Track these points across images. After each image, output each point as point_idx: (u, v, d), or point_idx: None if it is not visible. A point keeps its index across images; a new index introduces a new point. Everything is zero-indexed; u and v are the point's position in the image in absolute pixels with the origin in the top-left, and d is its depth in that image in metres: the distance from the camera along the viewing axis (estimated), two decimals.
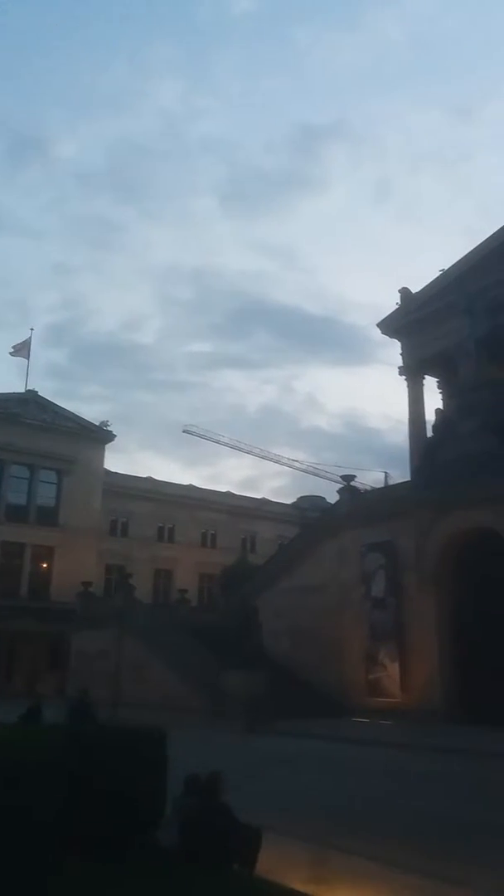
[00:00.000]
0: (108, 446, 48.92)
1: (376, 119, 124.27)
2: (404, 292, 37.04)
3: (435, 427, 31.04)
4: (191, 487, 54.26)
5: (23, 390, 46.27)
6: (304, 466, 67.46)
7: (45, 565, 44.40)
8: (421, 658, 25.53)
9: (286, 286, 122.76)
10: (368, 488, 39.62)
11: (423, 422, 35.28)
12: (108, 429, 48.80)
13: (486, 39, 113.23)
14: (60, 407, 47.97)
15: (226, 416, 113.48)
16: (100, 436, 48.28)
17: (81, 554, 43.50)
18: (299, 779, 14.10)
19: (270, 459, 67.67)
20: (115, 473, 49.71)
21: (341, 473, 37.02)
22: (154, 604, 42.75)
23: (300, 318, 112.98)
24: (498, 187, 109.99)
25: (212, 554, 51.05)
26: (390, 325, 37.67)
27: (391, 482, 45.53)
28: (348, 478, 33.04)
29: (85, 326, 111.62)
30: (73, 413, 48.31)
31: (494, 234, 33.12)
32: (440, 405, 35.24)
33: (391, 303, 37.78)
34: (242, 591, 33.13)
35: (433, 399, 37.36)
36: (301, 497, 61.34)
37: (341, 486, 32.93)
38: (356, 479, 33.90)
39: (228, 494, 56.50)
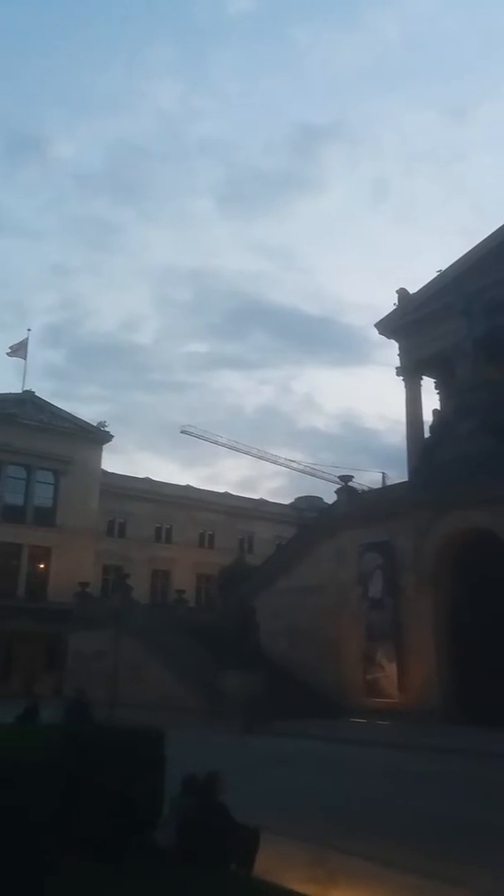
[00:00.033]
0: (105, 447, 48.88)
1: (373, 119, 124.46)
2: (402, 293, 37.07)
3: (432, 428, 31.09)
4: (188, 488, 54.25)
5: (20, 391, 46.19)
6: (301, 467, 67.56)
7: (42, 566, 44.34)
8: (418, 658, 25.53)
9: (284, 287, 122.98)
10: (366, 489, 39.66)
11: (421, 422, 35.30)
12: (106, 429, 48.76)
13: (481, 40, 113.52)
14: (58, 407, 47.93)
15: (223, 417, 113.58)
16: (97, 436, 48.24)
17: (79, 554, 43.45)
18: (297, 779, 14.09)
19: (268, 460, 67.77)
20: (113, 474, 49.67)
21: (339, 474, 37.00)
22: (152, 604, 42.69)
23: (298, 319, 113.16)
24: (493, 188, 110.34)
25: (209, 554, 51.03)
26: (388, 326, 37.69)
27: (389, 483, 45.51)
28: (346, 478, 33.05)
29: (83, 327, 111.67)
30: (70, 413, 48.28)
31: (491, 234, 33.14)
32: (438, 406, 35.30)
33: (389, 303, 37.91)
34: (240, 592, 33.12)
35: (431, 400, 37.43)
36: (299, 497, 61.37)
37: (339, 486, 32.94)
38: (354, 480, 33.93)
39: (226, 495, 56.50)
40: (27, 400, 46.01)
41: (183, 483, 54.94)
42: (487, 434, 25.53)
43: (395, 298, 37.35)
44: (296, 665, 28.82)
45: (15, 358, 46.62)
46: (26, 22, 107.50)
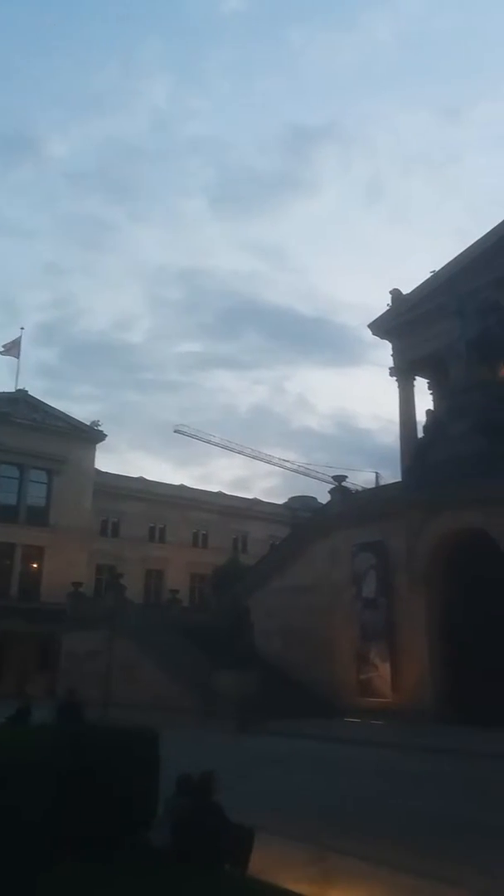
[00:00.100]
0: (98, 446, 48.83)
1: (367, 120, 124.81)
2: (395, 293, 37.15)
3: (426, 428, 31.12)
4: (182, 487, 54.21)
5: (13, 389, 46.13)
6: (295, 467, 67.57)
7: (35, 565, 44.24)
8: (412, 658, 25.58)
9: (277, 287, 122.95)
10: (359, 489, 39.67)
11: (414, 423, 35.40)
12: (99, 428, 48.70)
13: (476, 40, 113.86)
14: (51, 406, 47.84)
15: (217, 417, 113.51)
16: (90, 435, 48.16)
17: (72, 554, 43.37)
18: (291, 779, 14.10)
19: (261, 460, 67.74)
20: (106, 473, 49.60)
21: (332, 474, 37.12)
22: (145, 604, 42.68)
23: (291, 319, 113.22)
24: (486, 189, 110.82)
25: (203, 554, 51.01)
26: (381, 327, 37.77)
27: (382, 483, 45.65)
28: (339, 478, 33.07)
29: (75, 326, 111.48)
30: (63, 413, 48.18)
31: (485, 235, 33.28)
32: (431, 406, 35.37)
33: (382, 304, 37.95)
34: (234, 591, 33.13)
35: (424, 400, 37.54)
36: (292, 497, 61.41)
37: (332, 486, 32.96)
38: (347, 480, 33.94)
39: (220, 494, 56.47)
40: (20, 399, 45.91)
41: (176, 483, 55.00)
42: (480, 435, 25.59)
43: (388, 299, 37.45)
44: (290, 664, 28.83)
45: (8, 357, 46.60)
46: (19, 21, 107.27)
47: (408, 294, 36.59)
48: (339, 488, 32.15)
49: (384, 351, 38.34)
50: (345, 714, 25.42)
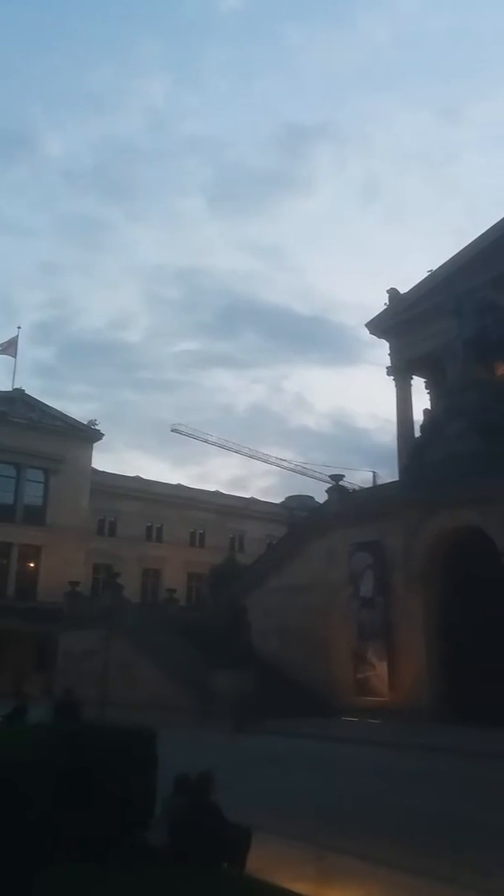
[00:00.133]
0: (95, 445, 48.79)
1: (364, 119, 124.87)
2: (392, 293, 37.19)
3: (423, 427, 31.20)
4: (179, 487, 54.19)
5: (10, 388, 46.07)
6: (292, 466, 67.57)
7: (32, 565, 44.20)
8: (409, 657, 25.61)
9: (275, 286, 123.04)
10: (357, 488, 39.72)
11: (411, 422, 35.46)
12: (96, 428, 48.65)
13: (474, 40, 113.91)
14: (48, 405, 47.78)
15: (214, 416, 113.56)
16: (87, 435, 48.11)
17: (69, 553, 43.34)
18: (288, 778, 14.10)
19: (259, 459, 67.75)
20: (103, 472, 49.56)
21: (329, 473, 37.18)
22: (142, 603, 42.66)
23: (289, 318, 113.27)
24: (485, 188, 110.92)
25: (200, 553, 51.02)
26: (378, 326, 37.81)
27: (379, 482, 45.69)
28: (337, 477, 33.11)
29: (72, 325, 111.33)
30: (60, 412, 48.14)
31: (482, 235, 33.35)
32: (428, 405, 35.43)
33: (379, 303, 38.04)
34: (231, 591, 33.14)
35: (421, 399, 37.59)
36: (289, 496, 61.40)
37: (330, 485, 33.00)
38: (345, 479, 34.01)
39: (217, 494, 56.47)
40: (17, 398, 45.86)
41: (173, 482, 55.02)
42: (477, 434, 25.64)
43: (385, 298, 37.48)
44: (287, 664, 28.84)
45: (4, 356, 46.54)
46: (15, 20, 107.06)
47: (405, 293, 36.63)
48: (337, 487, 32.17)
49: (381, 350, 38.44)
50: (342, 713, 25.43)
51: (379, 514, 27.91)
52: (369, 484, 47.08)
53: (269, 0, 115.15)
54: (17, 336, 47.07)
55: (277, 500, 61.82)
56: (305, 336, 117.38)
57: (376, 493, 33.09)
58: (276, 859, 7.37)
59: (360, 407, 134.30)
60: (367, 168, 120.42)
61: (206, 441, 64.89)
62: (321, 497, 37.77)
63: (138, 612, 34.41)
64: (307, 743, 19.66)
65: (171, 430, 63.67)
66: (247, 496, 59.80)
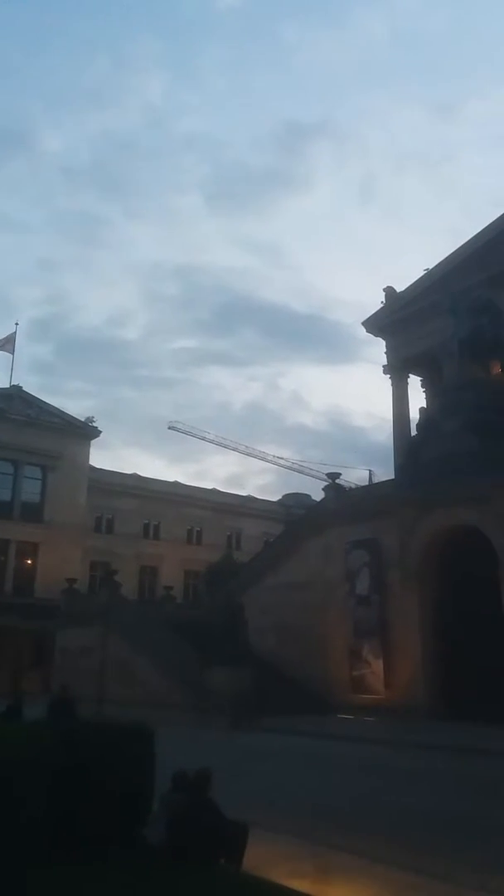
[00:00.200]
0: (93, 442, 48.70)
1: (361, 117, 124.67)
2: (389, 291, 37.19)
3: (419, 426, 31.25)
4: (176, 484, 54.20)
5: (7, 385, 45.99)
6: (289, 464, 67.66)
7: (29, 562, 44.17)
8: (404, 655, 25.70)
9: (272, 283, 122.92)
10: (353, 486, 39.76)
11: (408, 420, 35.47)
12: (94, 425, 48.59)
13: (471, 38, 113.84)
14: (45, 402, 47.69)
15: (211, 413, 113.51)
16: (85, 432, 48.07)
17: (66, 550, 43.34)
18: (285, 775, 14.18)
19: (256, 456, 67.83)
20: (101, 470, 49.52)
21: (326, 471, 37.16)
22: (139, 601, 42.70)
23: (286, 316, 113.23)
24: (482, 188, 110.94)
25: (197, 551, 51.06)
26: (375, 324, 37.81)
27: (376, 480, 45.78)
28: (333, 475, 33.15)
29: (70, 322, 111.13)
30: (58, 409, 48.06)
31: (478, 234, 33.37)
32: (424, 404, 35.49)
33: (376, 301, 38.01)
34: (228, 588, 33.17)
35: (417, 398, 37.62)
36: (286, 494, 61.46)
37: (326, 483, 33.02)
38: (341, 477, 34.03)
39: (214, 491, 56.49)
40: (14, 395, 45.77)
41: (171, 479, 54.94)
42: (472, 433, 25.71)
43: (382, 296, 37.48)
44: (283, 661, 28.92)
45: (2, 352, 46.45)
46: (13, 16, 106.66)
47: (401, 292, 36.64)
48: (333, 486, 32.23)
49: (378, 348, 38.48)
50: (338, 711, 25.52)
51: (375, 512, 27.99)
52: (366, 482, 47.12)
53: None
54: (15, 333, 46.94)
55: (274, 497, 61.92)
56: (302, 334, 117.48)
57: (372, 491, 33.16)
58: (273, 856, 7.45)
59: (357, 405, 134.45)
60: (364, 166, 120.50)
61: (203, 438, 65.02)
62: (318, 495, 37.89)
63: (135, 610, 34.46)
64: (303, 740, 19.74)
65: (169, 428, 63.77)
66: (244, 494, 59.87)
